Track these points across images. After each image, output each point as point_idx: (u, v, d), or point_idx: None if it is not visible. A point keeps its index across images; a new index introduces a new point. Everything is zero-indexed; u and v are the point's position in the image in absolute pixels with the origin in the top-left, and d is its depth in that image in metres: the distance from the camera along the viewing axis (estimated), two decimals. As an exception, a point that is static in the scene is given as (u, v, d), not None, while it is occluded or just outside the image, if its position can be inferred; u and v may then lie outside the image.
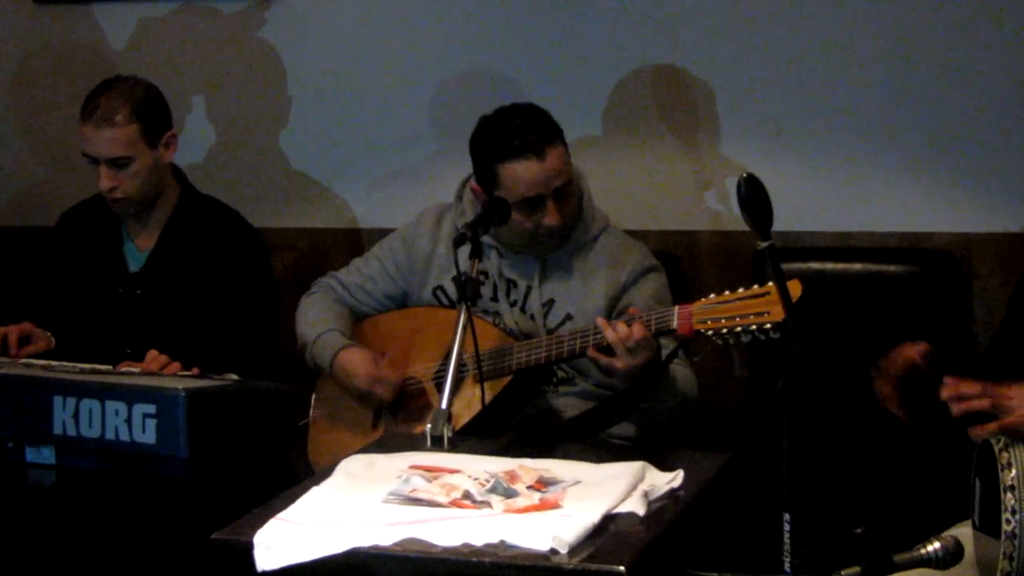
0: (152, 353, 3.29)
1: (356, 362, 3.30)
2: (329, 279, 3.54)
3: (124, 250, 3.57)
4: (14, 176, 4.44)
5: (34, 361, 3.34)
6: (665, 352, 3.07)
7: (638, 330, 2.94)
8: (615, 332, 2.95)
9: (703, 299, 2.90)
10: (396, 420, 3.29)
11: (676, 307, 2.93)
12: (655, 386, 3.11)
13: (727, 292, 2.87)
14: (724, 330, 2.83)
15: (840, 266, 3.68)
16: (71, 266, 3.61)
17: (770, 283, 2.77)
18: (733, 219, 3.79)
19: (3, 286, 4.21)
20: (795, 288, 2.67)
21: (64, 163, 4.28)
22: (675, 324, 2.91)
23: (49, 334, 3.53)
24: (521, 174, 3.18)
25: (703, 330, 2.87)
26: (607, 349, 2.98)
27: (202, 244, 3.54)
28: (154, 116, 3.48)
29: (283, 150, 4.20)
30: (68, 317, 3.57)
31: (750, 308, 2.82)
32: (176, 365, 3.28)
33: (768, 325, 2.78)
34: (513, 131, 3.20)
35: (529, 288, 3.32)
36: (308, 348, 3.40)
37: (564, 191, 3.22)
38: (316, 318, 3.42)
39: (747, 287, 2.85)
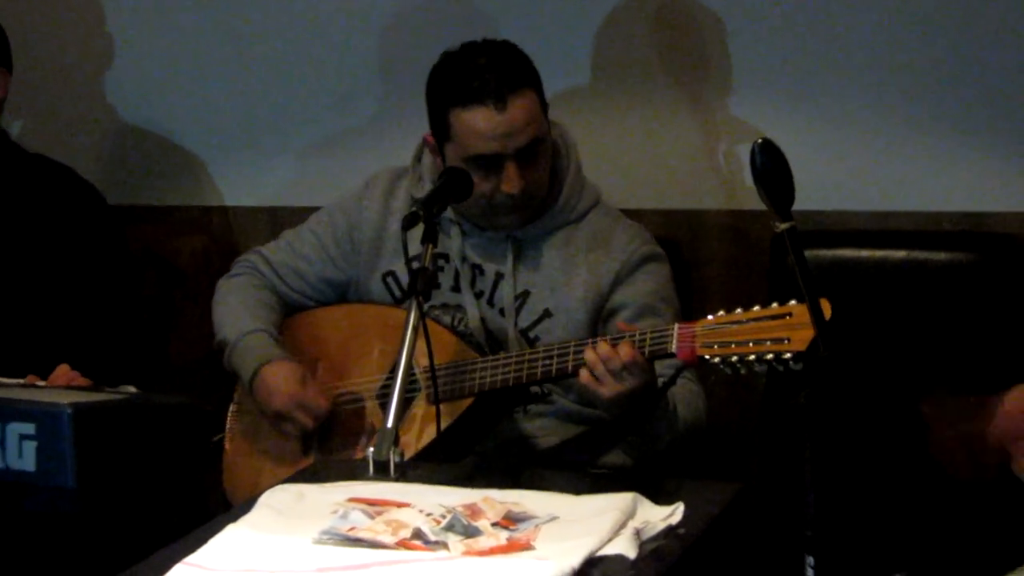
0: (62, 368, 3.32)
1: (280, 379, 3.29)
2: (254, 256, 3.52)
3: None
4: None
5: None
6: (663, 377, 3.07)
7: (625, 352, 2.94)
8: (595, 352, 2.96)
9: (709, 317, 2.89)
10: (330, 446, 3.31)
11: (676, 326, 2.93)
12: (650, 416, 3.11)
13: (739, 310, 2.87)
14: (734, 357, 2.83)
15: (879, 253, 3.68)
16: None
17: (792, 302, 2.78)
18: (747, 194, 3.81)
19: None
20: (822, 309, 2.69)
21: None
22: (674, 347, 2.92)
23: None
24: (475, 124, 3.17)
25: (708, 356, 2.87)
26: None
27: (36, 209, 3.53)
28: None
29: (187, 109, 4.21)
30: None
31: (766, 332, 2.81)
32: (85, 381, 3.30)
33: (788, 355, 2.78)
34: (473, 71, 3.18)
35: (499, 276, 3.32)
36: (228, 350, 3.39)
37: (530, 152, 3.20)
38: (239, 311, 3.41)
39: (763, 303, 2.85)
